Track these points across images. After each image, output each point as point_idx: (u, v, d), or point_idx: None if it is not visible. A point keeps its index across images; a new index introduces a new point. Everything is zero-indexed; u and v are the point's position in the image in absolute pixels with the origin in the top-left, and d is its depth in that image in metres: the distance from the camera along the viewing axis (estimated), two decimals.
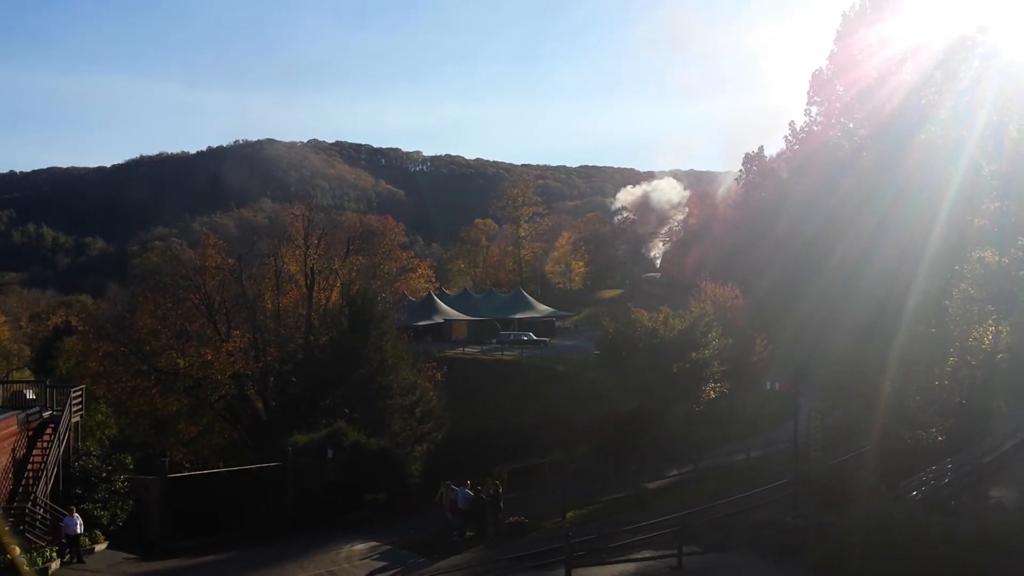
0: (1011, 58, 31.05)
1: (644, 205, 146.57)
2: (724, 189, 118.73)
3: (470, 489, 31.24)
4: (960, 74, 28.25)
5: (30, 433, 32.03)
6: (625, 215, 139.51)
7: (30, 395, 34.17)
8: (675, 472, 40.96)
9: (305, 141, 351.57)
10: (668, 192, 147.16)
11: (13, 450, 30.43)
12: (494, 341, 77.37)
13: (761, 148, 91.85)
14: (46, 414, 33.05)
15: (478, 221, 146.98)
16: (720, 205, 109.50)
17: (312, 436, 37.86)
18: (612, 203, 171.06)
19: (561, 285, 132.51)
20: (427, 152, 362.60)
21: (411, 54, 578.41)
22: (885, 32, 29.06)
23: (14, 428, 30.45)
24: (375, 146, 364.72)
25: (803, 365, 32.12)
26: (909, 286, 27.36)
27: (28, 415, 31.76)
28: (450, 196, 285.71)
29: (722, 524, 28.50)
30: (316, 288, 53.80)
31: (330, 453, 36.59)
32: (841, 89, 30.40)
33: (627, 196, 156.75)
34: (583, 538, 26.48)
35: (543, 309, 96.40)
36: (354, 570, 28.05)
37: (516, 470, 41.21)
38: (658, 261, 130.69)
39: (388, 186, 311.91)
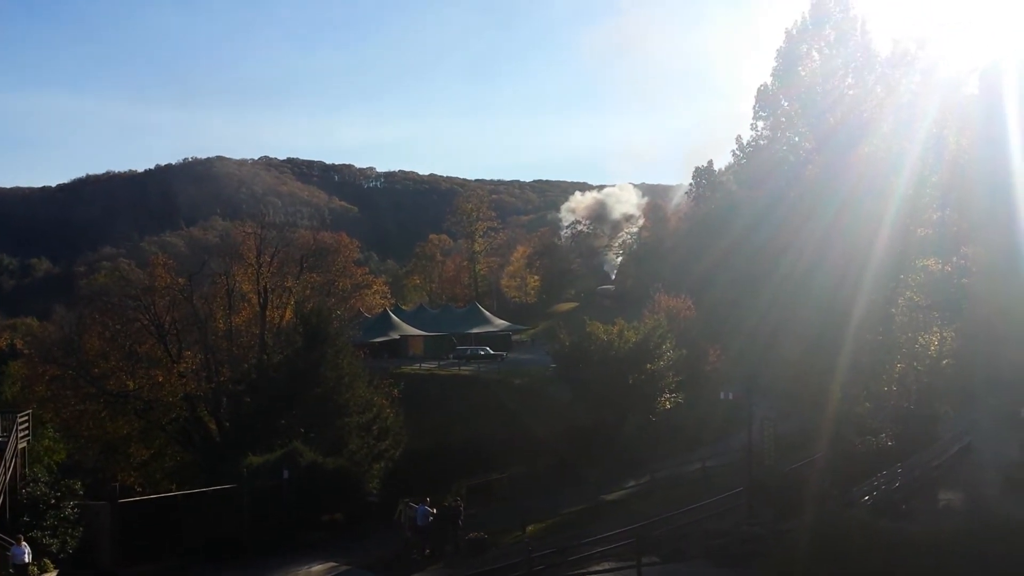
0: (951, 72, 32.08)
1: (598, 212, 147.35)
2: (676, 202, 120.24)
3: (429, 506, 31.13)
4: (901, 88, 29.03)
5: None
6: (578, 227, 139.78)
7: None
8: (633, 483, 41.21)
9: (256, 158, 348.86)
10: (622, 198, 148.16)
11: None
12: (451, 356, 77.19)
13: (710, 162, 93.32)
14: None
15: (433, 236, 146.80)
16: (672, 217, 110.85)
17: (267, 457, 37.39)
18: (561, 213, 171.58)
19: (517, 299, 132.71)
20: (381, 168, 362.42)
21: (363, 72, 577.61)
22: (826, 48, 29.78)
23: None
24: (328, 162, 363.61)
25: (754, 374, 32.61)
26: (855, 295, 27.95)
27: None
28: (404, 212, 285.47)
29: (680, 534, 28.76)
30: (269, 307, 53.27)
31: (286, 474, 36.12)
32: (785, 103, 31.00)
33: (579, 202, 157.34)
34: (543, 552, 26.53)
35: (499, 323, 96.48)
36: None
37: (475, 485, 41.11)
38: (613, 274, 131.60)
39: (342, 203, 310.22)
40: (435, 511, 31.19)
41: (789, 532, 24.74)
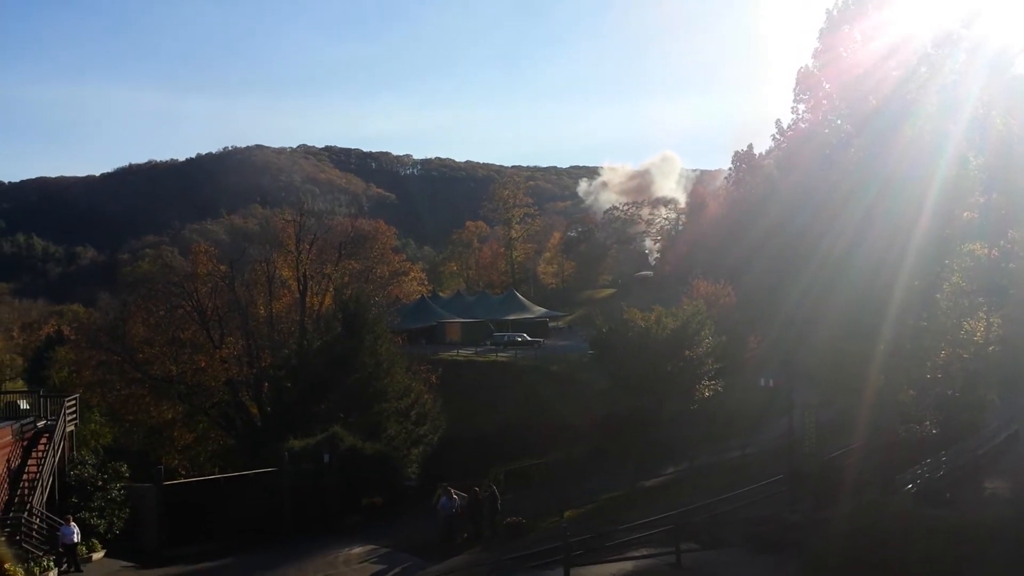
0: (996, 51, 31.23)
1: (639, 185, 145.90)
2: (715, 186, 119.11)
3: (456, 494, 31.46)
4: (945, 68, 28.37)
5: (25, 443, 31.98)
6: (615, 212, 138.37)
7: (24, 405, 34.12)
8: (671, 470, 41.09)
9: (294, 147, 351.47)
10: (665, 170, 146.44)
11: (8, 460, 30.37)
12: (488, 343, 77.32)
13: (750, 146, 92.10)
14: (40, 424, 33.00)
15: (469, 223, 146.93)
16: (711, 202, 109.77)
17: (308, 441, 37.86)
18: (591, 186, 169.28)
19: (554, 285, 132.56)
20: (417, 155, 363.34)
21: (395, 60, 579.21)
22: (869, 28, 29.16)
23: (8, 439, 30.41)
24: (365, 150, 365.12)
25: (795, 361, 32.26)
26: (896, 279, 27.45)
27: (22, 425, 31.71)
28: (441, 199, 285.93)
29: (719, 521, 28.62)
30: (309, 293, 53.79)
31: (326, 457, 36.60)
32: (827, 86, 30.48)
33: (614, 174, 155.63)
34: (581, 537, 26.55)
35: (536, 310, 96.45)
36: (352, 573, 28.11)
37: (513, 471, 41.27)
38: (650, 258, 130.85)
39: (379, 190, 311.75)
40: (457, 498, 31.54)
41: (829, 520, 24.49)
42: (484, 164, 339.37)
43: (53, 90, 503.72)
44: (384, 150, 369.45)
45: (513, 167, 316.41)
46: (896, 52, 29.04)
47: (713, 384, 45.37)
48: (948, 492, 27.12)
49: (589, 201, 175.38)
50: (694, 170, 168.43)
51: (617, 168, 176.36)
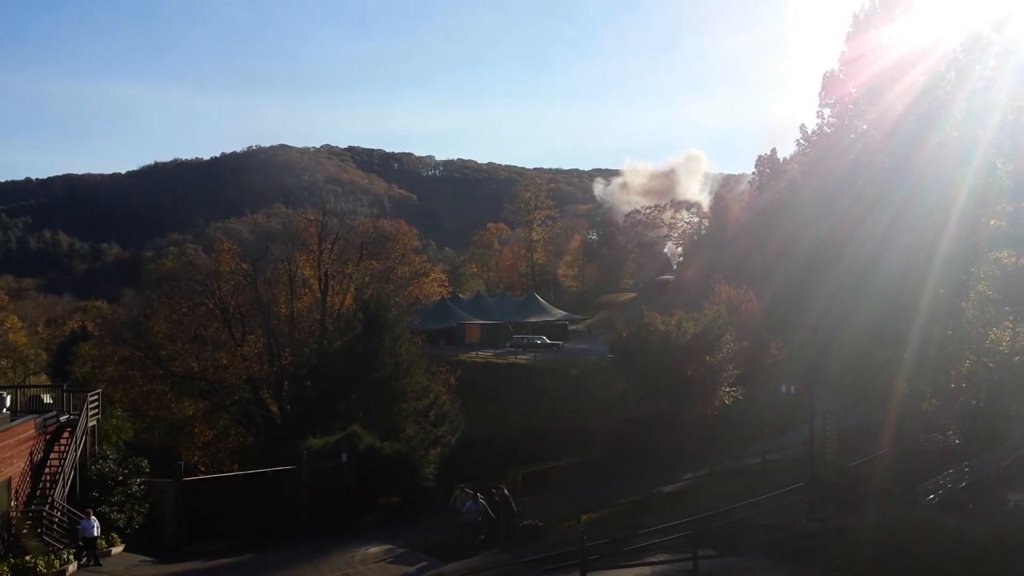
0: None
1: (666, 186, 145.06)
2: (738, 191, 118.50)
3: (480, 498, 31.14)
4: (974, 73, 28.06)
5: (47, 437, 32.27)
6: (637, 216, 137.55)
7: (47, 400, 34.41)
8: (690, 475, 40.85)
9: (318, 147, 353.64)
10: (691, 168, 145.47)
11: (31, 454, 30.66)
12: (507, 345, 77.37)
13: (774, 150, 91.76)
14: (63, 418, 33.27)
15: (490, 225, 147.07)
16: (734, 207, 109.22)
17: (327, 440, 37.97)
18: (610, 186, 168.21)
19: (574, 288, 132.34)
20: (439, 156, 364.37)
21: (417, 60, 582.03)
22: (896, 32, 28.89)
23: (32, 432, 30.69)
24: (387, 151, 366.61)
25: (817, 368, 31.96)
26: (921, 287, 27.19)
27: (45, 419, 32.00)
28: (462, 200, 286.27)
29: (738, 528, 28.39)
30: (330, 292, 53.99)
31: (345, 456, 36.69)
32: (853, 90, 30.23)
33: (635, 175, 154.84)
34: (598, 541, 26.43)
35: (556, 312, 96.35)
36: (369, 573, 28.11)
37: (530, 473, 41.21)
38: (674, 263, 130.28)
39: (401, 191, 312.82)
40: (493, 494, 31.34)
41: (850, 529, 24.25)
42: (506, 166, 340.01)
43: (81, 88, 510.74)
44: (406, 151, 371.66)
45: (535, 169, 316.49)
46: (924, 56, 28.75)
47: (734, 390, 45.09)
48: (971, 503, 26.76)
49: (607, 204, 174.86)
50: (718, 174, 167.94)
51: (639, 167, 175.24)
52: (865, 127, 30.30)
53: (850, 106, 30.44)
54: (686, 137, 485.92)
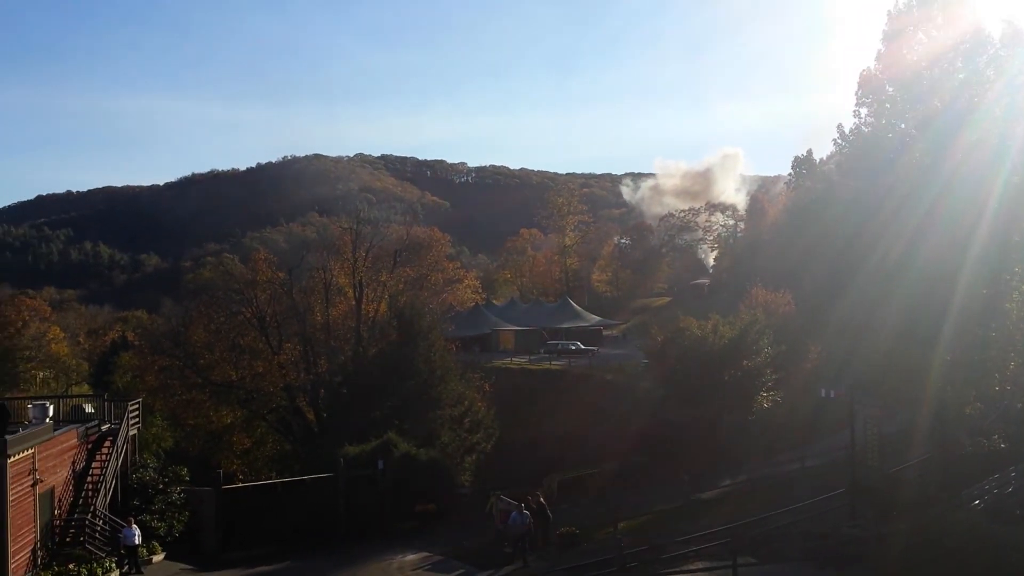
0: None
1: (702, 186, 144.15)
2: (775, 193, 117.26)
3: (520, 508, 30.82)
4: (1013, 68, 27.51)
5: (89, 446, 32.76)
6: (671, 220, 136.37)
7: (89, 409, 34.91)
8: (728, 482, 40.39)
9: (351, 156, 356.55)
10: (727, 165, 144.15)
11: (73, 463, 31.14)
12: (542, 351, 77.11)
13: (810, 151, 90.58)
14: (104, 427, 33.76)
15: (523, 231, 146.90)
16: (770, 209, 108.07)
17: (363, 447, 38.15)
18: (640, 187, 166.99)
19: (608, 293, 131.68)
20: (472, 163, 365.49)
21: (447, 68, 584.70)
22: (933, 28, 28.47)
23: (74, 442, 31.17)
24: (420, 158, 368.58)
25: (856, 371, 31.44)
26: (957, 287, 26.63)
27: (87, 429, 32.48)
28: (495, 206, 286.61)
29: (778, 535, 27.96)
30: (364, 300, 54.25)
31: (380, 464, 36.82)
32: (890, 89, 29.85)
33: (667, 177, 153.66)
34: (635, 549, 26.22)
35: (590, 318, 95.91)
36: None
37: (566, 480, 41.00)
38: (709, 266, 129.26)
39: (434, 198, 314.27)
40: (530, 500, 31.16)
41: (893, 535, 23.77)
42: (538, 171, 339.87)
43: (119, 103, 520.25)
44: (439, 158, 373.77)
45: (567, 174, 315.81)
46: (962, 53, 28.27)
47: (771, 395, 44.52)
48: (1018, 509, 26.11)
49: (636, 207, 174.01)
50: (755, 175, 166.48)
51: (669, 166, 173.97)
52: (902, 125, 29.88)
53: (887, 105, 30.08)
54: (720, 140, 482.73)
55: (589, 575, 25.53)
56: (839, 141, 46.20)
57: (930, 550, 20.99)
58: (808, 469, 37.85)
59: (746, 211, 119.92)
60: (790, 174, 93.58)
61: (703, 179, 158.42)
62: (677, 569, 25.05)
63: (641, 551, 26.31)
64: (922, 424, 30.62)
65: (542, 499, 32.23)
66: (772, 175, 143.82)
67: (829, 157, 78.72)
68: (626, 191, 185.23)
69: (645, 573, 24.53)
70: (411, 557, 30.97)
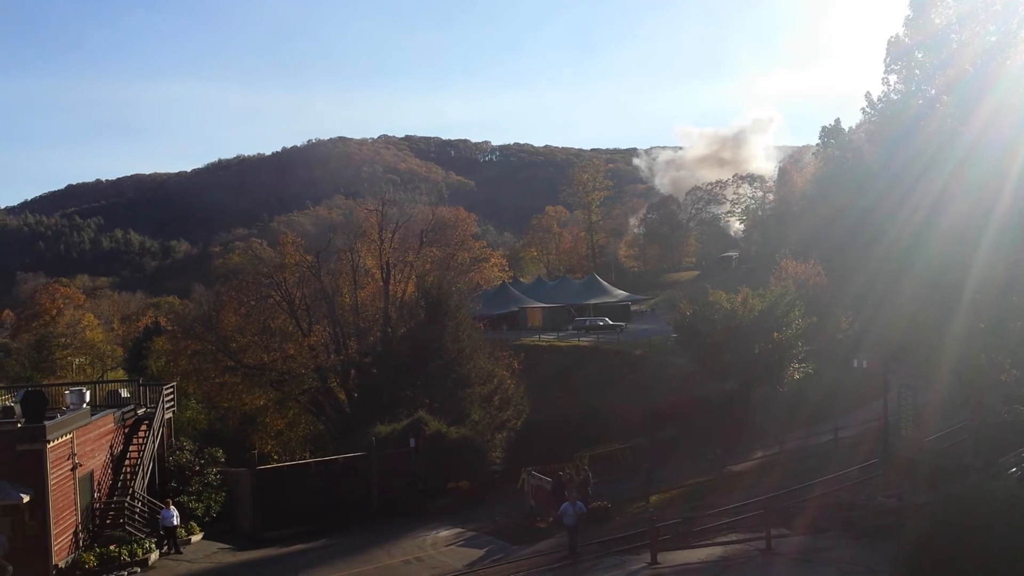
0: None
1: (733, 152, 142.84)
2: (803, 163, 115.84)
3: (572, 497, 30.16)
4: None
5: (126, 430, 33.33)
6: (698, 193, 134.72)
7: (124, 394, 35.52)
8: (760, 454, 40.24)
9: (375, 137, 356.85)
10: (758, 129, 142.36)
11: (111, 447, 31.70)
12: (570, 327, 77.12)
13: (837, 120, 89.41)
14: (140, 411, 34.32)
15: (549, 208, 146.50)
16: (798, 180, 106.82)
17: (394, 426, 38.45)
18: (659, 156, 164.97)
19: (635, 268, 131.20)
20: (495, 142, 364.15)
21: (468, 47, 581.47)
22: None
23: (111, 426, 31.71)
24: (444, 138, 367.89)
25: (889, 341, 31.08)
26: (997, 254, 26.15)
27: (123, 413, 33.03)
28: (520, 184, 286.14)
29: (811, 506, 27.88)
30: (392, 281, 54.46)
31: (412, 442, 37.11)
32: (919, 55, 29.22)
33: (690, 147, 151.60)
34: (668, 522, 26.25)
35: (618, 294, 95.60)
36: (440, 556, 28.40)
37: (597, 455, 41.03)
38: (738, 239, 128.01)
39: (459, 177, 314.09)
40: (567, 473, 31.28)
41: (928, 505, 23.56)
42: (563, 148, 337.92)
43: (144, 91, 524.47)
44: (462, 137, 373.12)
45: (592, 150, 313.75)
46: (993, 15, 27.62)
47: (803, 366, 44.17)
48: None
49: (649, 180, 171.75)
50: (782, 147, 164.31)
51: (692, 133, 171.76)
52: (933, 91, 29.29)
53: (917, 71, 29.45)
54: (745, 110, 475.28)
55: (622, 549, 25.58)
56: (867, 110, 45.34)
57: (968, 520, 20.78)
58: (841, 440, 37.61)
59: (775, 182, 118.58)
60: (818, 144, 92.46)
61: (733, 143, 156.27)
62: (711, 541, 25.06)
63: (674, 524, 26.34)
64: (956, 393, 30.23)
65: (587, 471, 32.30)
66: (800, 145, 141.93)
67: (858, 126, 77.56)
68: (641, 164, 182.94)
69: (678, 546, 24.55)
70: (444, 533, 31.25)
